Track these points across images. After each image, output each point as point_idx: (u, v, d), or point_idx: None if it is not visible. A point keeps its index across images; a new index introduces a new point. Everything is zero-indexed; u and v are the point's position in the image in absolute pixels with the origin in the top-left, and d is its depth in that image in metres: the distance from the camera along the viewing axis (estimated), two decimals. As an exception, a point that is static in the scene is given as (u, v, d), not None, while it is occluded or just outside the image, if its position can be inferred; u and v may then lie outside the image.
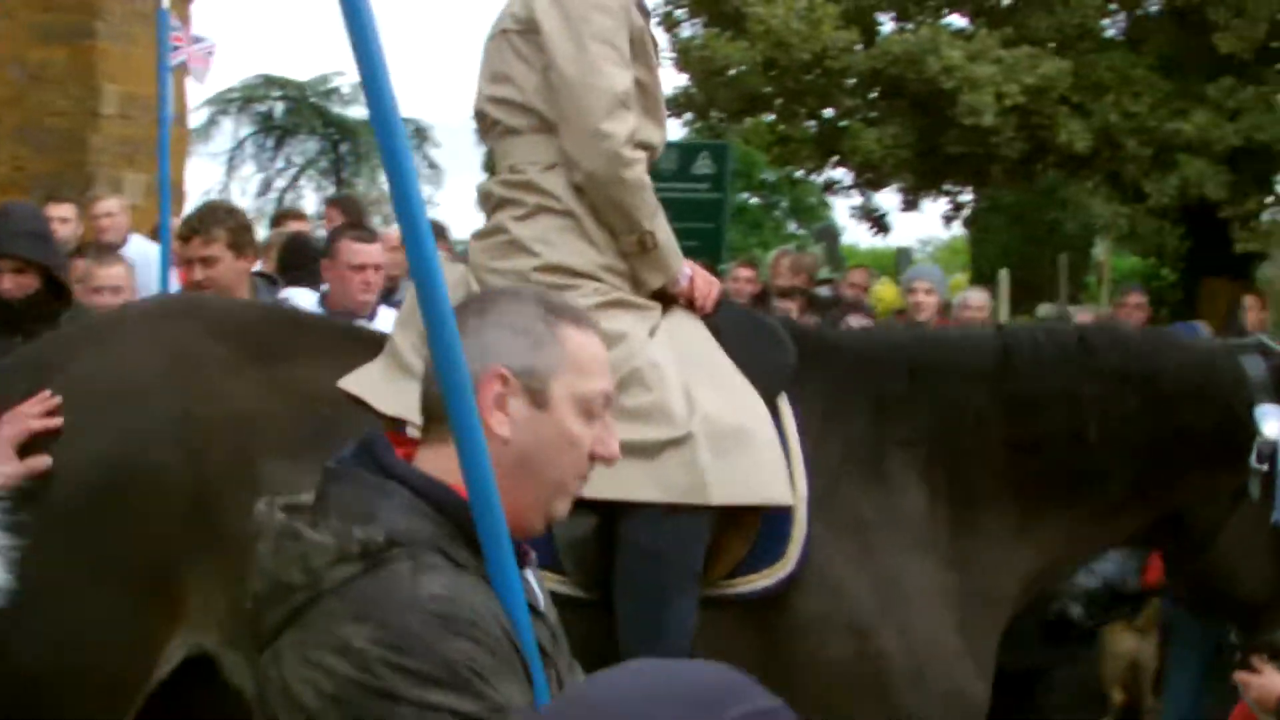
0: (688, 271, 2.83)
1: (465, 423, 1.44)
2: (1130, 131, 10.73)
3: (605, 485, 2.17)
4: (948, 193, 13.27)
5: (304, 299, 4.96)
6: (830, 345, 2.98)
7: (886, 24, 12.36)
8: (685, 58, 12.77)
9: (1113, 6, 11.69)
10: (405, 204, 1.43)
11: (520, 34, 2.76)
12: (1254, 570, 2.89)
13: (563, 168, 2.71)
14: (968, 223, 13.86)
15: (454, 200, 66.74)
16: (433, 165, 33.66)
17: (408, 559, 1.42)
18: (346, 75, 31.84)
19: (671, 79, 13.89)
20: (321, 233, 6.85)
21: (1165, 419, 2.84)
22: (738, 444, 2.58)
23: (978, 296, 7.44)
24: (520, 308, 1.59)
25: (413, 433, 1.98)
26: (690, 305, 2.84)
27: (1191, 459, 2.87)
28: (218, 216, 4.33)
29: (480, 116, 2.87)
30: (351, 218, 6.61)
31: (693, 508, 2.52)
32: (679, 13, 13.36)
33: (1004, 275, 22.39)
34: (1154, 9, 11.66)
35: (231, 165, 33.61)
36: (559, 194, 2.72)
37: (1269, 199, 11.30)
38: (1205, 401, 2.89)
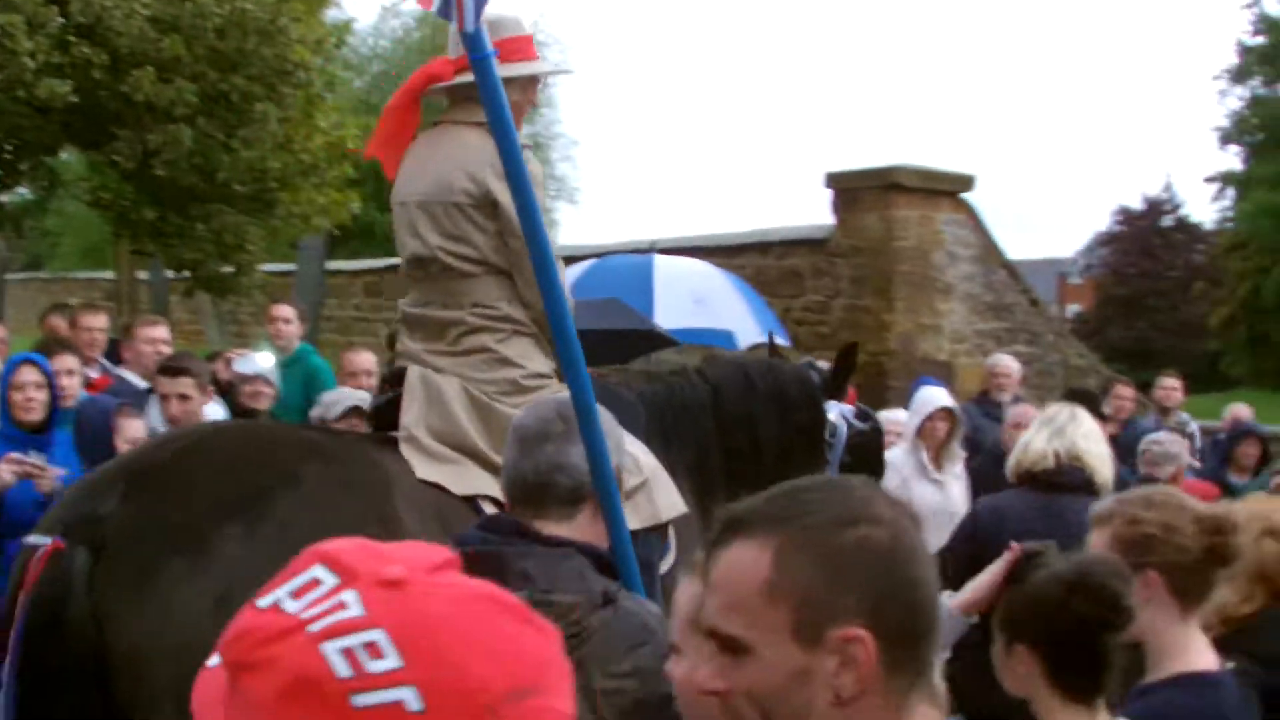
0: None
1: (614, 503, 2.68)
2: None
3: None
4: None
5: None
6: (617, 395, 4.14)
7: None
8: None
9: None
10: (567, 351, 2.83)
11: (474, 206, 3.79)
12: None
13: (518, 302, 3.81)
14: None
15: None
16: None
17: (623, 597, 2.44)
18: None
19: None
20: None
21: (792, 419, 4.65)
22: (657, 478, 3.89)
23: None
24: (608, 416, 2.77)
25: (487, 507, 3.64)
26: None
27: (807, 442, 4.68)
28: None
29: (430, 261, 3.87)
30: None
31: (656, 526, 3.80)
32: None
33: None
34: None
35: None
36: (525, 321, 3.85)
37: None
38: (808, 404, 4.74)
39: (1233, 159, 51.86)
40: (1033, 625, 2.53)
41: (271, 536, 3.13)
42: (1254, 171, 47.90)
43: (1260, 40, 50.65)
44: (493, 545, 2.42)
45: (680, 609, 2.06)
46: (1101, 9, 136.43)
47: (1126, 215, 46.88)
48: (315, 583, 1.12)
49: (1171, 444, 6.70)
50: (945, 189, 12.19)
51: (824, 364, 5.34)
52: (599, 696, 2.27)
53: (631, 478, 3.60)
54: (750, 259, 12.33)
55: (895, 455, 6.84)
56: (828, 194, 12.02)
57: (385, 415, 3.96)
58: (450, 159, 3.82)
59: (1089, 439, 4.66)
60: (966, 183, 12.41)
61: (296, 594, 1.11)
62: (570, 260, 11.25)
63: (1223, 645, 3.18)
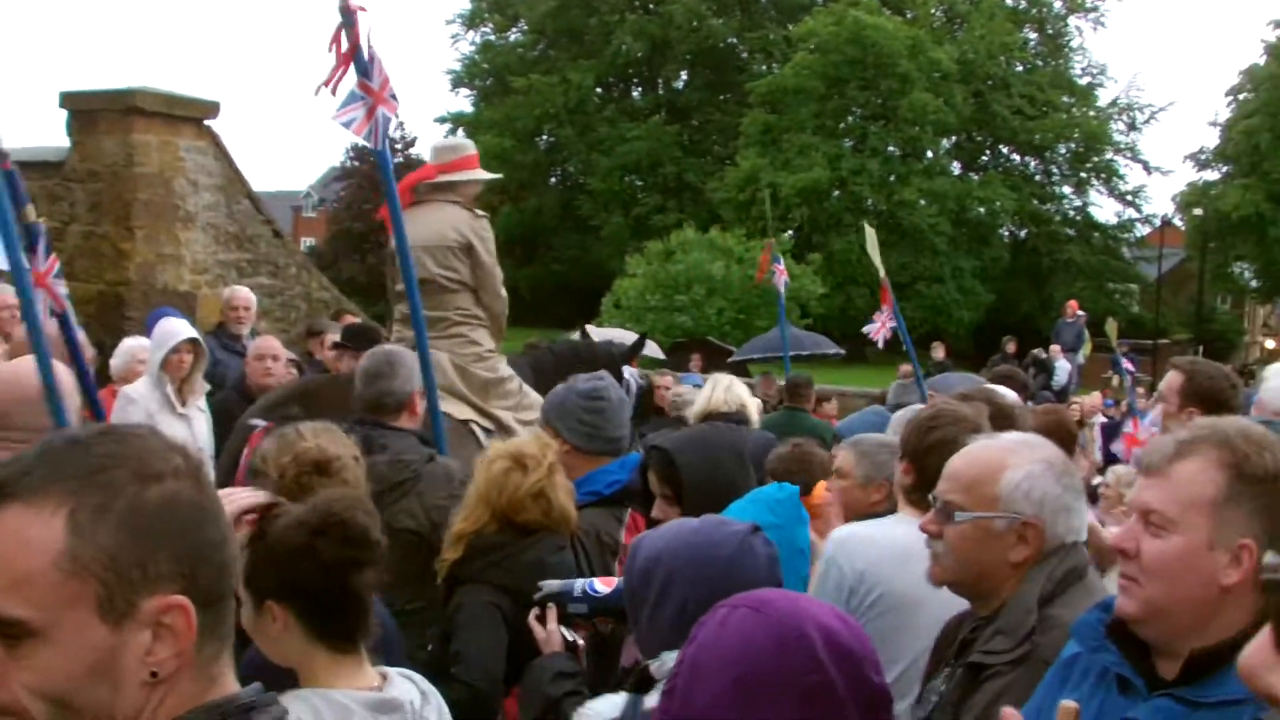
0: None
1: (434, 403, 5.32)
2: None
3: None
4: None
5: None
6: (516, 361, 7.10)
7: None
8: None
9: None
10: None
11: (460, 247, 6.41)
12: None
13: (482, 308, 6.59)
14: None
15: None
16: None
17: (438, 457, 4.82)
18: None
19: None
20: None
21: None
22: None
23: None
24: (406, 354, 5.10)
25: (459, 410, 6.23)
26: None
27: None
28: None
29: (429, 282, 6.23)
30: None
31: None
32: None
33: None
34: None
35: None
36: (484, 318, 6.57)
37: None
38: (611, 366, 6.92)
39: (463, 102, 55.75)
40: (279, 577, 2.47)
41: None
42: (482, 115, 52.14)
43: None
44: (364, 430, 4.46)
45: None
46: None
47: (360, 152, 48.83)
48: None
49: (688, 392, 9.36)
50: (188, 115, 12.32)
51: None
52: (431, 510, 4.35)
53: (533, 413, 5.96)
54: (-27, 179, 11.61)
55: (139, 389, 6.91)
56: (63, 115, 11.70)
57: None
58: (441, 221, 6.43)
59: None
60: (210, 109, 12.62)
61: None
62: None
63: (471, 575, 3.75)
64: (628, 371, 7.93)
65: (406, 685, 2.48)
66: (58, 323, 5.08)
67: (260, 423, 5.02)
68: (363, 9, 5.04)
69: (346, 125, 5.09)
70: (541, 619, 3.40)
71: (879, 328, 9.99)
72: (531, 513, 3.89)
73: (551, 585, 3.46)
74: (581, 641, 3.43)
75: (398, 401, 4.81)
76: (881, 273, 9.71)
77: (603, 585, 3.43)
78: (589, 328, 10.01)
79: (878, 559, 3.53)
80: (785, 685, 1.86)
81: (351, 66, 5.06)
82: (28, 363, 4.39)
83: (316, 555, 2.45)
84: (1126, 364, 15.48)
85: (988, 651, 2.67)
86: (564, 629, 3.39)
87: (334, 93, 5.08)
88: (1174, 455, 2.21)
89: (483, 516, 3.87)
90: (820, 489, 4.40)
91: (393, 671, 2.51)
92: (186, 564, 1.39)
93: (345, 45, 5.05)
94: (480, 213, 6.69)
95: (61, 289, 5.13)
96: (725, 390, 6.97)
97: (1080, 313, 24.34)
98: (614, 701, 2.57)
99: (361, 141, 5.23)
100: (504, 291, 6.73)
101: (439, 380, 5.97)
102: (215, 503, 1.46)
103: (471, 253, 6.49)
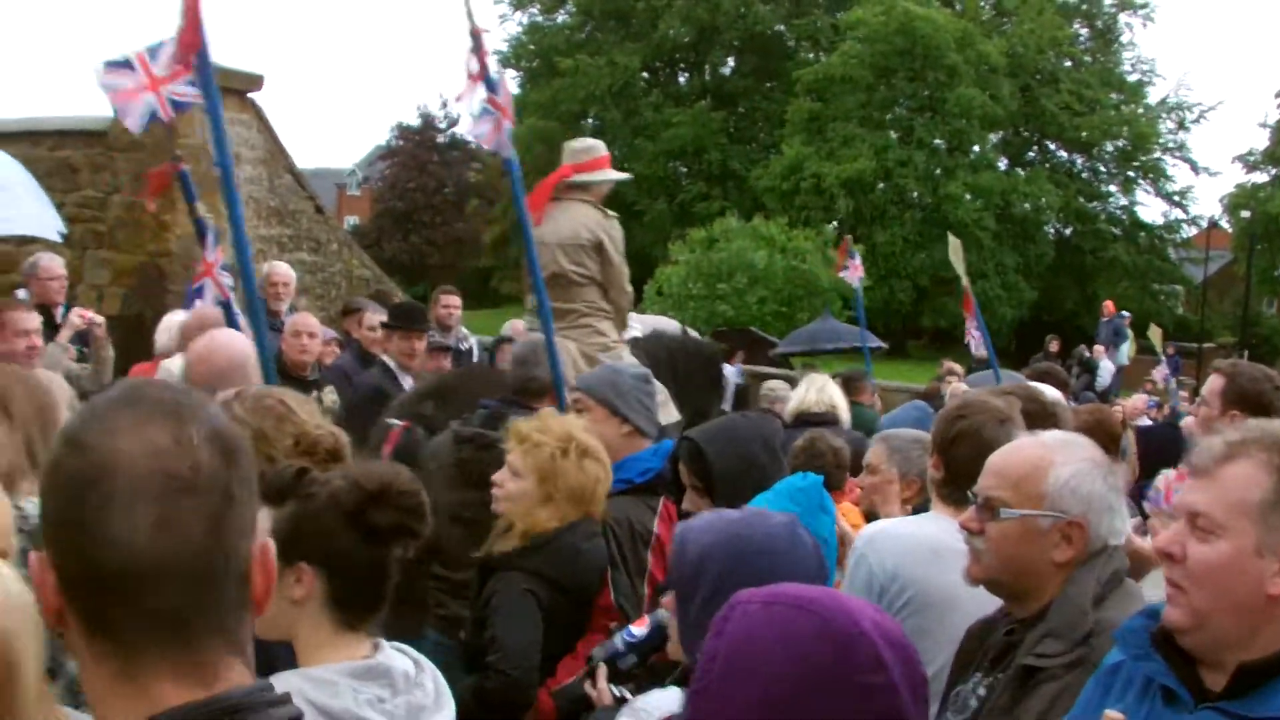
0: None
1: (560, 390, 5.44)
2: None
3: None
4: None
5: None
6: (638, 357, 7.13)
7: None
8: None
9: None
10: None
11: (591, 245, 6.91)
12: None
13: (609, 302, 7.10)
14: None
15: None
16: None
17: None
18: None
19: None
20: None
21: (706, 371, 7.74)
22: (669, 396, 6.53)
23: None
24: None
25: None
26: None
27: (712, 384, 7.87)
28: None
29: (562, 276, 6.86)
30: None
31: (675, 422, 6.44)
32: None
33: None
34: None
35: None
36: (610, 310, 7.10)
37: None
38: (714, 363, 8.23)
39: (510, 83, 55.64)
40: (321, 539, 2.45)
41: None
42: (528, 97, 52.19)
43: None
44: (501, 408, 5.00)
45: None
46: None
47: (404, 132, 49.04)
48: None
49: (781, 388, 10.14)
50: (231, 87, 12.31)
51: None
52: None
53: (661, 394, 6.09)
54: (20, 149, 11.55)
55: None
56: (107, 82, 11.69)
57: None
58: (574, 220, 6.94)
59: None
60: (255, 82, 12.62)
61: None
62: None
63: (505, 562, 3.79)
64: (728, 369, 8.55)
65: (399, 656, 2.47)
66: (222, 311, 5.89)
67: (397, 422, 5.40)
68: (486, 30, 5.70)
69: (477, 138, 5.91)
70: (593, 680, 3.39)
71: (968, 335, 10.10)
72: (603, 505, 4.05)
73: (598, 653, 3.49)
74: (629, 696, 3.41)
75: (541, 386, 5.38)
76: (965, 282, 9.77)
77: (637, 628, 3.45)
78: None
79: (909, 557, 3.49)
80: (843, 685, 1.74)
81: (481, 85, 5.73)
82: (223, 339, 4.55)
83: (368, 521, 2.43)
84: (1164, 369, 15.44)
85: (1041, 654, 2.61)
86: (613, 687, 3.41)
87: (471, 111, 5.78)
88: (1222, 457, 2.15)
89: (570, 515, 3.94)
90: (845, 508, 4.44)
91: (385, 643, 2.48)
92: (52, 539, 1.38)
93: (475, 67, 5.71)
94: (610, 213, 7.19)
95: (226, 280, 6.07)
96: (818, 391, 7.61)
97: (1125, 313, 24.14)
98: (669, 695, 2.57)
99: (494, 150, 6.01)
100: (629, 287, 7.29)
101: (569, 370, 6.63)
102: (112, 488, 1.35)
103: (601, 250, 7.00)
